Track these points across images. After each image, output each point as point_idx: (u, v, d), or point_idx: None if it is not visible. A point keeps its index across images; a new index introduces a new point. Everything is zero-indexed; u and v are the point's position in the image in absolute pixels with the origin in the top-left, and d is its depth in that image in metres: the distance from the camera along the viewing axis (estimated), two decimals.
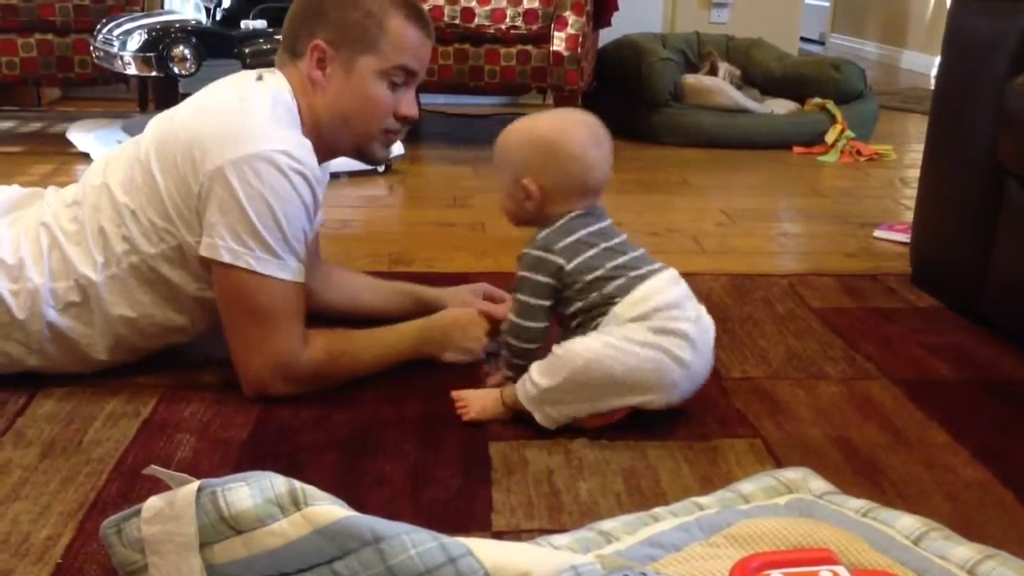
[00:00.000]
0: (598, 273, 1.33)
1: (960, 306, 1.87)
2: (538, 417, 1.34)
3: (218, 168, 1.34)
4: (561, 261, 1.33)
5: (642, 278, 1.33)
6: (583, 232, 1.36)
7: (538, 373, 1.32)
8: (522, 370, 1.36)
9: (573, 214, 1.37)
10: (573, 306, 1.34)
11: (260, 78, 1.47)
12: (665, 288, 1.33)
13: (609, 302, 1.32)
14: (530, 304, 1.36)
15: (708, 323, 1.37)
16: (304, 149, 1.39)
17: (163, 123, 1.47)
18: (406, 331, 1.55)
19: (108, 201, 1.43)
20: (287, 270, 1.38)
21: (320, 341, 1.45)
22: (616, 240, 1.38)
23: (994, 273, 1.76)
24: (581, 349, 1.30)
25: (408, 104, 1.50)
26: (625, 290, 1.32)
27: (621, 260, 1.35)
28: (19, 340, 1.42)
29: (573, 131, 1.39)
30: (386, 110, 1.48)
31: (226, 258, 1.35)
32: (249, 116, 1.39)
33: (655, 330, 1.30)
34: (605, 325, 1.32)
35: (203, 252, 1.37)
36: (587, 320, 1.34)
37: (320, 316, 1.63)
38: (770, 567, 0.89)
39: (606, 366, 1.28)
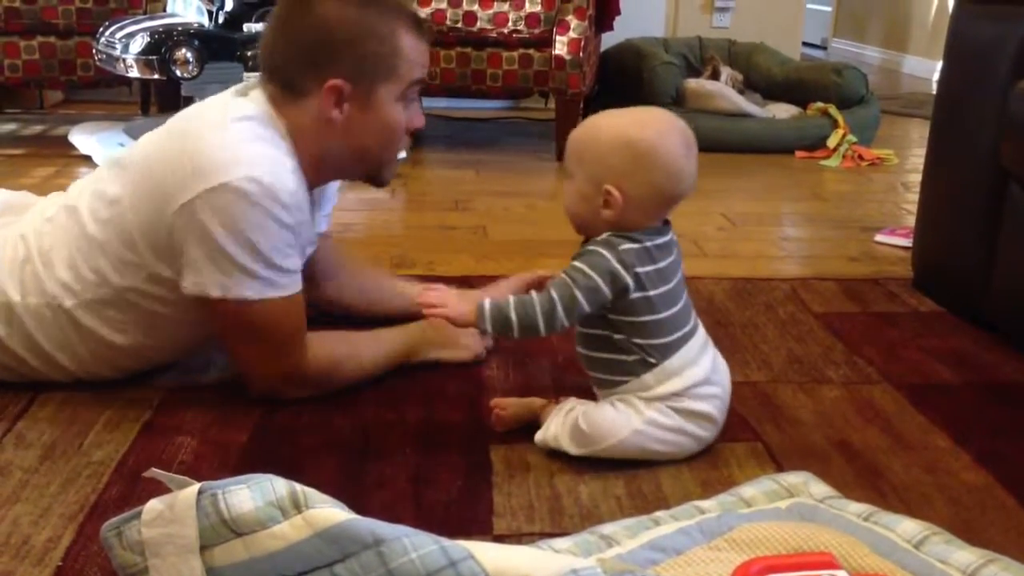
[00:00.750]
0: (652, 320, 1.25)
1: (962, 310, 1.87)
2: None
3: (185, 205, 1.29)
4: (629, 283, 1.22)
5: (681, 342, 1.27)
6: (661, 265, 1.25)
7: (568, 441, 1.28)
8: (501, 326, 1.23)
9: (658, 240, 1.26)
10: (605, 327, 1.27)
11: (244, 94, 1.40)
12: (696, 358, 1.28)
13: (643, 359, 1.25)
14: (576, 298, 1.21)
15: (726, 374, 1.34)
16: (277, 168, 1.32)
17: (134, 152, 1.42)
18: (406, 330, 1.55)
19: (78, 228, 1.39)
20: (279, 288, 1.35)
21: (323, 343, 1.44)
22: (677, 276, 1.29)
23: (996, 277, 1.76)
24: (608, 431, 1.25)
25: (417, 115, 1.46)
26: (664, 354, 1.25)
27: (676, 309, 1.27)
28: (3, 352, 1.42)
29: (669, 138, 1.25)
30: (403, 131, 1.43)
31: (216, 293, 1.32)
32: (213, 144, 1.31)
33: (682, 413, 1.27)
34: (631, 388, 1.27)
35: (191, 290, 1.33)
36: (615, 356, 1.27)
37: (339, 318, 1.63)
38: (771, 571, 0.88)
39: (631, 448, 1.26)
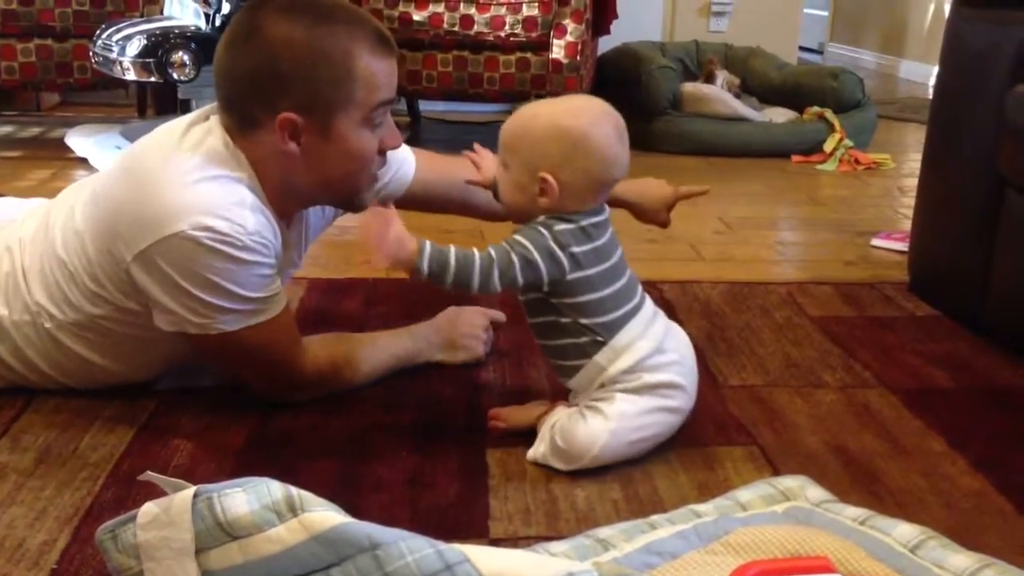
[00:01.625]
0: (596, 298, 1.26)
1: (959, 315, 1.87)
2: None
3: (141, 254, 1.24)
4: (565, 264, 1.23)
5: (626, 318, 1.27)
6: (598, 243, 1.26)
7: (554, 459, 1.28)
8: (438, 270, 1.21)
9: (594, 219, 1.26)
10: (550, 313, 1.27)
11: (205, 118, 1.33)
12: (644, 331, 1.28)
13: (594, 340, 1.26)
14: (512, 264, 1.21)
15: (684, 342, 1.35)
16: (232, 211, 1.24)
17: (94, 185, 1.37)
18: (405, 333, 1.55)
19: (51, 252, 1.34)
20: (261, 313, 1.31)
21: (323, 347, 1.44)
22: (617, 254, 1.30)
23: (993, 282, 1.76)
24: (586, 445, 1.25)
25: (391, 136, 1.36)
26: (612, 330, 1.26)
27: (619, 285, 1.28)
28: None
29: (602, 126, 1.26)
30: (372, 155, 1.34)
31: (194, 331, 1.29)
32: (164, 190, 1.24)
33: (643, 390, 1.27)
34: (589, 376, 1.28)
35: (166, 327, 1.30)
36: (566, 342, 1.28)
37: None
38: (768, 575, 0.88)
39: (616, 451, 1.26)
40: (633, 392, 1.27)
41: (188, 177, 1.25)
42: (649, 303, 1.33)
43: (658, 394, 1.28)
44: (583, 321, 1.26)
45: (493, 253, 1.22)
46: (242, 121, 1.29)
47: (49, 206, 1.44)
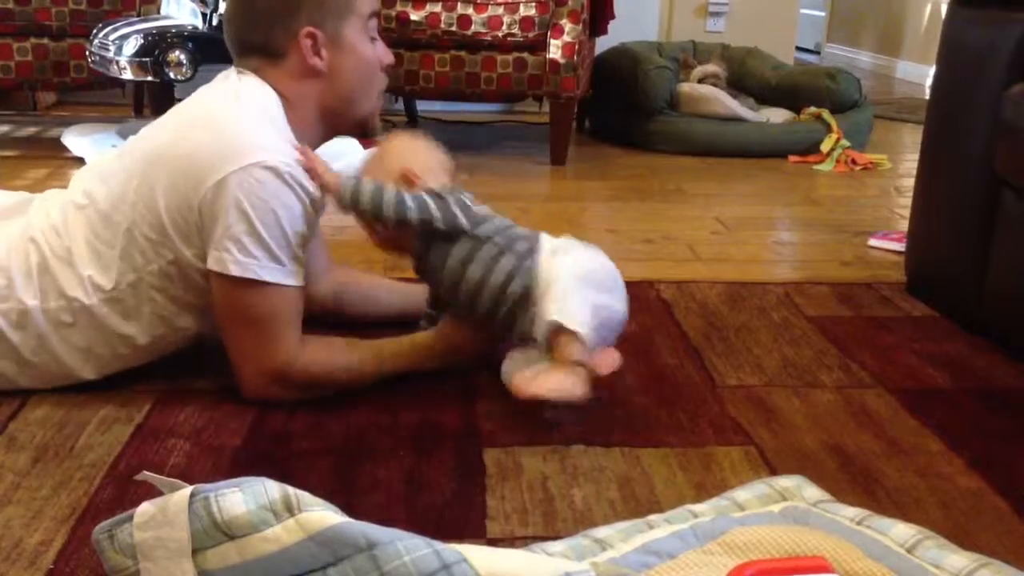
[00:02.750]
0: (496, 224, 1.48)
1: (955, 315, 1.87)
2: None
3: (219, 181, 1.33)
4: (465, 197, 1.49)
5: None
6: (466, 194, 1.52)
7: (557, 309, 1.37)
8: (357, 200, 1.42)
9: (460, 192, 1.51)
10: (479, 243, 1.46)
11: (240, 75, 1.44)
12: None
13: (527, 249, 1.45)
14: (426, 201, 1.43)
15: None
16: (295, 160, 1.38)
17: (152, 137, 1.45)
18: (411, 342, 1.53)
19: (99, 220, 1.40)
20: (290, 275, 1.39)
21: (319, 347, 1.44)
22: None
23: (989, 282, 1.76)
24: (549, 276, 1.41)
25: (385, 52, 1.53)
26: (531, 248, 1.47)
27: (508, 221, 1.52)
28: (10, 358, 1.41)
29: (404, 136, 1.57)
30: (378, 68, 1.51)
31: (234, 271, 1.35)
32: (243, 126, 1.38)
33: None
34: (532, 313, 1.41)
35: (211, 266, 1.36)
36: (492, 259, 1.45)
37: (335, 320, 1.64)
38: (765, 575, 0.88)
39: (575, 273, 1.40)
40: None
41: (260, 123, 1.39)
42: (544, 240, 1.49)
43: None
44: (499, 239, 1.46)
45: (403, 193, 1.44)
46: (269, 55, 1.43)
47: (63, 195, 1.47)
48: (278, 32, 1.42)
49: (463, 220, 1.45)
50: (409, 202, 1.42)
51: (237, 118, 1.39)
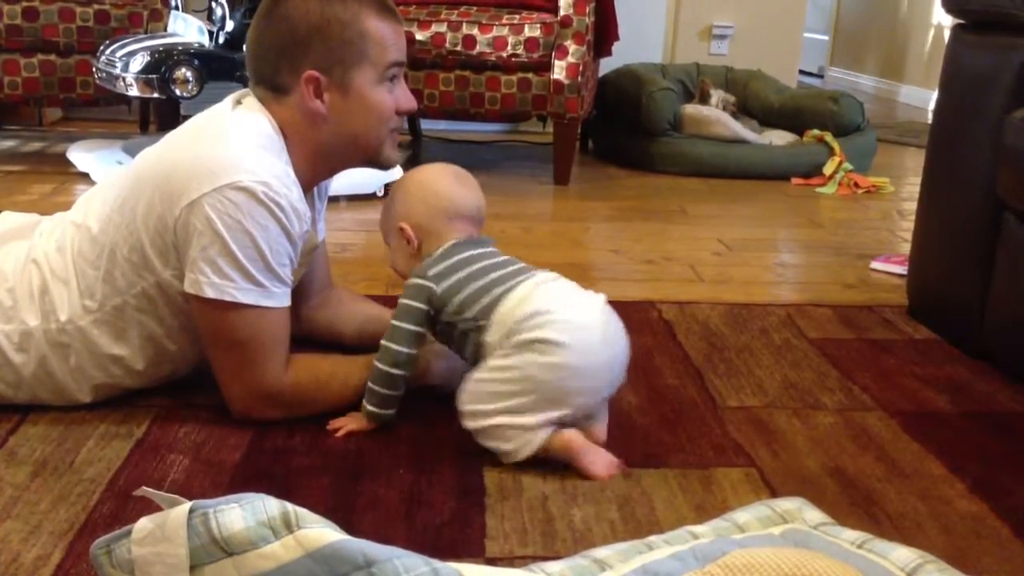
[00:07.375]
0: (466, 294, 1.36)
1: (957, 339, 1.87)
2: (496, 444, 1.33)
3: (194, 202, 1.32)
4: (432, 286, 1.38)
5: (506, 293, 1.35)
6: (457, 257, 1.40)
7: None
8: (386, 402, 1.40)
9: (451, 242, 1.43)
10: (455, 332, 1.38)
11: (239, 102, 1.46)
12: (527, 297, 1.33)
13: (476, 326, 1.35)
14: (399, 328, 1.38)
15: (593, 308, 1.36)
16: (284, 179, 1.37)
17: (143, 159, 1.45)
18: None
19: (88, 242, 1.41)
20: (271, 298, 1.37)
21: (306, 365, 1.44)
22: (493, 260, 1.41)
23: (991, 307, 1.76)
24: (463, 397, 1.34)
25: (406, 98, 1.50)
26: (488, 312, 1.34)
27: (493, 276, 1.37)
28: (9, 381, 1.41)
29: (434, 171, 1.51)
30: (391, 112, 1.47)
31: (209, 293, 1.33)
32: (225, 148, 1.36)
33: (516, 347, 1.31)
34: (478, 354, 1.36)
35: (187, 288, 1.35)
36: (464, 344, 1.38)
37: (328, 343, 1.63)
38: None
39: (485, 398, 1.31)
40: (506, 351, 1.31)
41: (245, 143, 1.37)
42: (539, 278, 1.38)
43: (531, 350, 1.30)
44: (468, 317, 1.36)
45: (383, 340, 1.40)
46: (274, 89, 1.43)
47: (65, 216, 1.49)
48: (284, 69, 1.42)
49: (444, 317, 1.39)
50: (399, 358, 1.38)
51: (219, 140, 1.38)
